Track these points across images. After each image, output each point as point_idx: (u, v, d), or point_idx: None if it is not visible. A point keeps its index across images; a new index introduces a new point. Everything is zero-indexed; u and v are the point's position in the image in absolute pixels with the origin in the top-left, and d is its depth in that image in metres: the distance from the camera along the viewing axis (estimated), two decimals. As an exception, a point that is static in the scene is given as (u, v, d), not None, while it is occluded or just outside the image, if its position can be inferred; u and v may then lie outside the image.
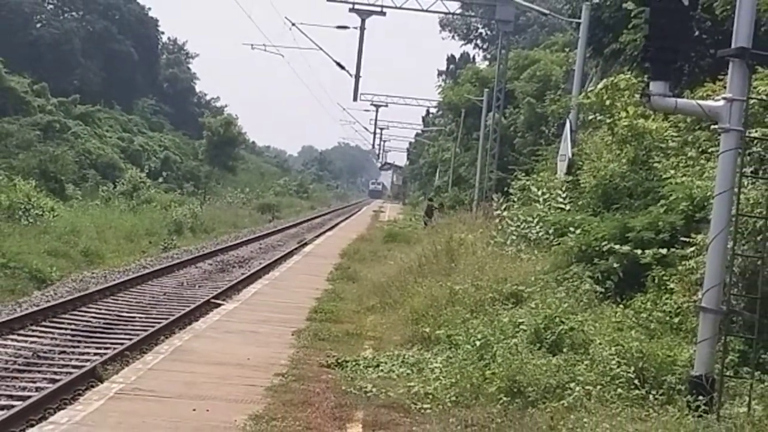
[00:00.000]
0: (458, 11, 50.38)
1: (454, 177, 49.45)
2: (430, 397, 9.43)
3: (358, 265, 23.81)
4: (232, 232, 43.18)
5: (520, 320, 10.83)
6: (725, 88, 8.84)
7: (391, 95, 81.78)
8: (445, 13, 45.19)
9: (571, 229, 14.24)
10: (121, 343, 14.89)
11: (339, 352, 11.94)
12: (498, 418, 8.32)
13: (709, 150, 13.07)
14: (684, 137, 14.89)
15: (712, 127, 9.99)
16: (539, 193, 18.86)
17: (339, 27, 41.47)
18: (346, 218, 62.94)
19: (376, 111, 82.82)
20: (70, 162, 48.06)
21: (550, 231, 15.97)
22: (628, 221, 12.99)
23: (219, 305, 17.87)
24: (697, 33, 16.81)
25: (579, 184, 17.36)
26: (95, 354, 14.30)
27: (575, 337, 10.05)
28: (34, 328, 16.09)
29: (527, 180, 21.87)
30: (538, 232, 16.71)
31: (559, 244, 14.51)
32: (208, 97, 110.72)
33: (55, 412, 9.65)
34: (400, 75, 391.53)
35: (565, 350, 9.80)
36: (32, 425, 9.46)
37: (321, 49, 45.48)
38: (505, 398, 8.82)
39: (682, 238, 11.29)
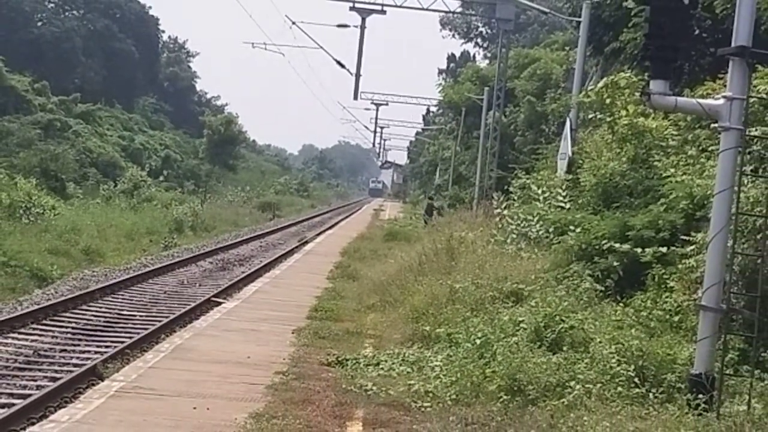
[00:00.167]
0: (458, 10, 50.36)
1: (455, 175, 49.41)
2: (431, 395, 9.44)
3: (358, 264, 23.82)
4: (233, 231, 43.17)
5: (521, 319, 10.84)
6: (725, 86, 8.85)
7: (391, 94, 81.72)
8: (446, 12, 45.13)
9: (572, 227, 14.25)
10: (122, 342, 14.90)
11: (339, 351, 11.94)
12: (498, 417, 8.33)
13: (709, 148, 13.08)
14: (684, 136, 14.90)
15: (712, 125, 10.00)
16: (539, 191, 18.86)
17: (339, 25, 41.46)
18: (347, 217, 62.93)
19: (377, 109, 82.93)
20: (70, 160, 48.13)
21: (551, 229, 15.99)
22: (628, 220, 13.01)
23: (219, 304, 17.88)
24: (697, 31, 16.82)
25: (579, 183, 17.37)
26: (96, 352, 14.31)
27: (575, 336, 10.06)
28: (34, 326, 16.10)
29: (527, 178, 21.89)
30: (538, 231, 16.71)
31: (559, 242, 14.53)
32: (208, 96, 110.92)
33: (55, 411, 9.66)
34: (401, 74, 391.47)
35: (565, 349, 9.81)
36: (33, 423, 9.46)
37: (321, 47, 45.49)
38: (505, 396, 8.83)
39: (682, 237, 11.31)
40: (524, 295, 12.67)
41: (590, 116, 18.64)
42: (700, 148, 13.93)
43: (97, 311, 18.12)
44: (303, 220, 57.28)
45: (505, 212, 20.09)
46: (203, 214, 43.53)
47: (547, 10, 32.58)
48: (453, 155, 51.66)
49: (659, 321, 10.45)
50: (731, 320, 8.99)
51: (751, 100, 9.32)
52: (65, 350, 14.52)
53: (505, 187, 25.81)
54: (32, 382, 12.32)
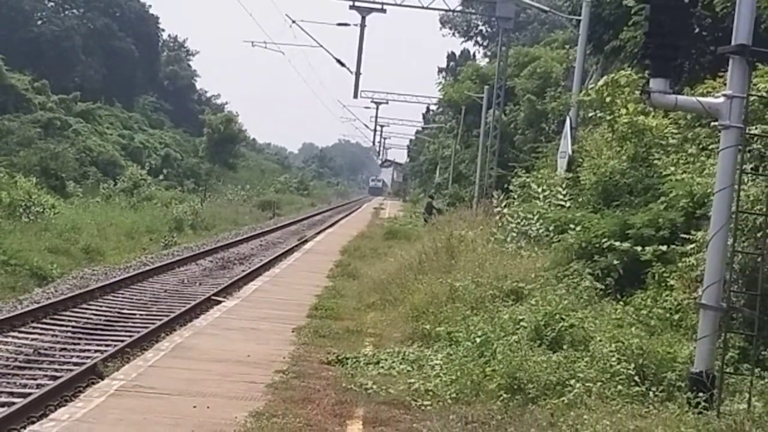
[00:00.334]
0: (458, 8, 50.28)
1: (455, 174, 49.41)
2: (431, 393, 9.44)
3: (358, 262, 23.81)
4: (233, 230, 43.19)
5: (521, 317, 10.84)
6: (725, 85, 8.85)
7: (391, 92, 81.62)
8: (446, 10, 45.19)
9: (572, 226, 14.25)
10: (122, 340, 14.90)
11: (339, 349, 11.94)
12: (498, 415, 8.33)
13: (709, 147, 13.08)
14: (684, 134, 14.90)
15: (712, 124, 10.01)
16: (539, 190, 18.86)
17: (339, 24, 41.45)
18: (347, 215, 62.94)
19: (377, 108, 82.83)
20: (70, 159, 48.16)
21: (551, 228, 15.98)
22: (628, 218, 13.01)
23: (219, 302, 17.88)
24: (697, 30, 16.82)
25: (579, 181, 17.37)
26: (96, 351, 14.31)
27: (575, 334, 10.07)
28: (35, 325, 16.10)
29: (527, 177, 21.88)
30: (538, 229, 16.71)
31: (559, 241, 14.53)
32: (208, 95, 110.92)
33: (55, 409, 9.64)
34: (401, 72, 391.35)
35: (565, 347, 9.82)
36: (33, 422, 9.47)
37: (321, 46, 45.66)
38: (505, 395, 8.83)
39: (682, 235, 11.31)
40: (524, 293, 12.67)
41: (590, 114, 18.63)
42: (700, 146, 13.93)
43: (97, 310, 18.12)
44: (303, 218, 57.30)
45: (505, 211, 20.08)
46: (203, 212, 43.53)
47: (547, 9, 32.55)
48: (453, 154, 51.66)
49: (659, 319, 10.44)
50: (731, 318, 8.99)
51: (751, 98, 9.33)
52: (65, 349, 14.52)
53: (505, 186, 25.80)
54: (32, 381, 12.33)
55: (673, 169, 13.51)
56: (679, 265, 10.92)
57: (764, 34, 13.10)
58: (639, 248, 12.05)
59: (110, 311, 18.11)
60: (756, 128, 10.68)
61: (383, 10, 36.56)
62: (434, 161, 69.57)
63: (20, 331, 15.47)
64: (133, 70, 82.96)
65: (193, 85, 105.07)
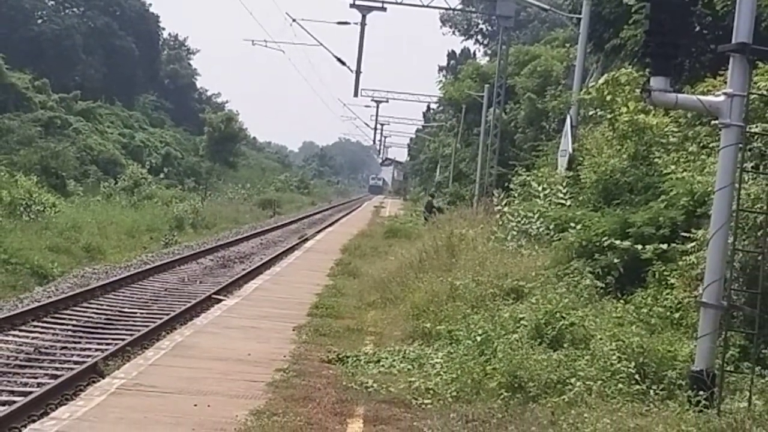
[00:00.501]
0: (459, 7, 50.30)
1: (455, 172, 49.42)
2: (431, 392, 9.45)
3: (358, 261, 23.82)
4: (233, 228, 43.18)
5: (521, 316, 10.83)
6: (726, 83, 8.84)
7: (391, 91, 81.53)
8: (446, 9, 45.18)
9: (572, 224, 14.25)
10: (123, 339, 14.91)
11: (340, 348, 11.95)
12: (499, 413, 8.34)
13: (710, 145, 13.08)
14: (684, 132, 14.90)
15: (713, 122, 10.01)
16: (540, 188, 18.86)
17: (340, 23, 41.46)
18: (347, 214, 62.96)
19: (377, 107, 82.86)
20: (71, 158, 48.15)
21: (551, 226, 15.98)
22: (628, 216, 13.00)
23: (220, 301, 17.89)
24: (697, 28, 16.83)
25: (579, 180, 17.36)
26: (96, 350, 14.32)
27: (576, 333, 10.07)
28: (35, 323, 16.11)
29: (528, 175, 21.86)
30: (538, 228, 16.71)
31: (559, 239, 14.52)
32: (209, 93, 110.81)
33: (56, 408, 9.65)
34: (401, 71, 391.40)
35: (565, 345, 9.82)
36: (33, 421, 9.48)
37: (322, 44, 45.56)
38: (505, 393, 8.83)
39: (683, 234, 11.31)
40: (525, 292, 12.67)
41: (591, 113, 18.63)
42: (701, 144, 13.93)
43: (97, 308, 18.13)
44: (303, 217, 57.31)
45: (506, 209, 20.08)
46: (204, 211, 43.52)
47: (547, 7, 32.52)
48: (453, 152, 51.66)
49: (660, 318, 10.44)
50: (732, 317, 8.99)
51: (752, 96, 9.32)
52: (66, 347, 14.53)
53: (506, 184, 25.81)
54: (33, 380, 12.33)
55: (673, 167, 13.51)
56: (680, 263, 10.92)
57: (765, 33, 13.10)
58: (639, 247, 12.04)
59: (111, 310, 18.12)
60: (756, 126, 10.69)
61: (383, 9, 36.54)
62: (435, 160, 69.55)
63: (21, 330, 15.48)
64: (133, 69, 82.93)
65: (194, 84, 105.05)
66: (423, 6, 35.92)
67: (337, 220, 52.71)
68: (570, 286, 12.25)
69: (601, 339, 9.57)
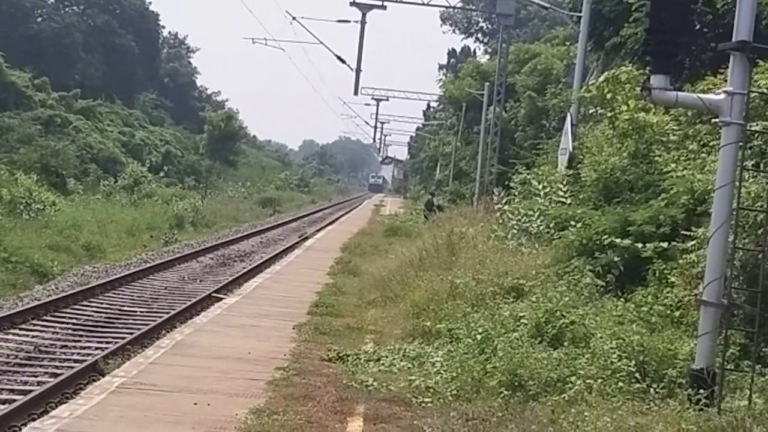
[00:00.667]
0: (459, 5, 50.34)
1: (455, 171, 49.41)
2: (431, 390, 9.45)
3: (359, 259, 23.82)
4: (233, 227, 43.18)
5: (521, 314, 10.83)
6: (726, 81, 8.83)
7: (392, 89, 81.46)
8: (446, 7, 45.17)
9: (572, 222, 14.24)
10: (123, 338, 14.91)
11: (340, 346, 11.95)
12: (499, 412, 8.33)
13: (710, 143, 13.08)
14: (685, 131, 14.90)
15: (713, 120, 9.99)
16: (540, 186, 18.85)
17: (340, 21, 41.47)
18: (347, 212, 62.97)
19: (377, 105, 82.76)
20: (71, 156, 48.14)
21: (551, 225, 15.97)
22: (628, 215, 12.99)
23: (220, 299, 17.89)
24: (697, 26, 16.81)
25: (580, 178, 17.35)
26: (97, 348, 14.32)
27: (576, 331, 10.06)
28: (35, 322, 16.10)
29: (528, 174, 21.86)
30: (538, 226, 16.70)
31: (559, 237, 14.52)
32: (209, 92, 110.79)
33: (56, 406, 9.65)
34: (401, 69, 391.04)
35: (566, 344, 9.81)
36: (34, 419, 9.48)
37: (322, 43, 45.36)
38: (506, 392, 8.83)
39: (683, 232, 11.30)
40: (525, 290, 12.67)
41: (591, 111, 18.61)
42: (701, 143, 13.92)
43: (97, 307, 18.13)
44: (303, 215, 57.31)
45: (506, 208, 20.08)
46: (204, 209, 43.51)
47: (547, 5, 32.54)
48: (453, 151, 51.65)
49: (660, 316, 10.44)
50: (732, 315, 8.98)
51: (752, 95, 9.31)
52: (66, 346, 14.53)
53: (506, 183, 25.80)
54: (33, 378, 12.33)
55: (673, 165, 13.51)
56: (680, 261, 10.92)
57: (765, 31, 13.09)
58: (640, 245, 12.04)
59: (111, 308, 18.12)
60: (757, 125, 10.68)
61: (383, 7, 36.49)
62: (435, 158, 69.53)
63: (21, 329, 15.47)
64: (133, 67, 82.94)
65: (194, 82, 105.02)
66: (423, 4, 35.88)
67: (337, 219, 52.71)
68: (570, 284, 12.25)
69: (601, 337, 9.57)
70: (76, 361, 13.34)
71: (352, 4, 36.34)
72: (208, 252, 29.74)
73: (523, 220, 17.63)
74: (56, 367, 13.03)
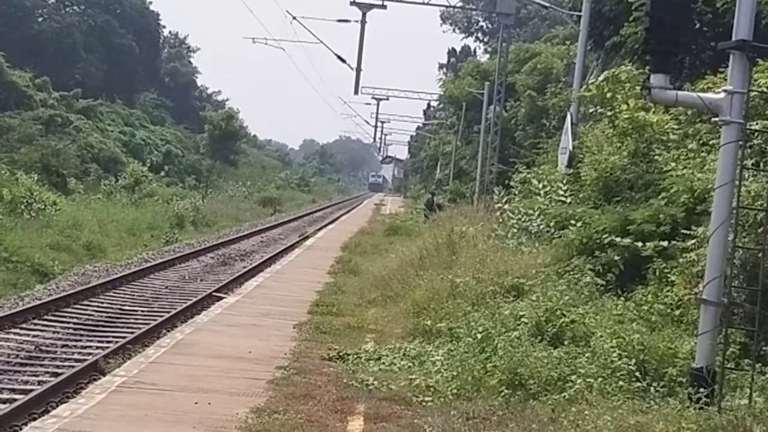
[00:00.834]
0: (459, 4, 50.37)
1: (455, 170, 49.43)
2: (432, 389, 9.46)
3: (359, 259, 23.83)
4: (234, 226, 43.20)
5: (521, 313, 10.84)
6: (726, 80, 8.83)
7: (392, 89, 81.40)
8: (446, 6, 45.16)
9: (572, 221, 14.24)
10: (123, 337, 14.92)
11: (340, 345, 11.96)
12: (499, 411, 8.35)
13: (710, 142, 13.07)
14: (685, 130, 14.89)
15: (713, 119, 9.98)
16: (540, 186, 18.85)
17: (340, 20, 41.40)
18: (348, 212, 62.99)
19: (377, 104, 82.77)
20: (72, 156, 48.13)
21: (551, 224, 15.97)
22: (628, 214, 13.00)
23: (221, 298, 17.90)
24: (697, 25, 16.79)
25: (580, 177, 17.36)
26: (97, 347, 14.33)
27: (576, 330, 10.07)
28: (36, 321, 16.11)
29: (528, 173, 21.86)
30: (539, 225, 16.70)
31: (560, 236, 14.52)
32: (209, 91, 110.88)
33: (57, 406, 9.67)
34: (401, 68, 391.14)
35: (566, 343, 9.82)
36: (34, 419, 9.49)
37: (322, 42, 45.33)
38: (506, 391, 8.84)
39: (683, 231, 11.30)
40: (525, 289, 12.67)
41: (591, 110, 18.60)
42: (701, 142, 13.92)
43: (98, 306, 18.14)
44: (304, 215, 57.34)
45: (506, 207, 20.07)
46: (204, 209, 43.55)
47: (547, 5, 32.53)
48: (454, 150, 51.67)
49: (660, 315, 10.45)
50: (732, 314, 8.99)
51: (752, 94, 9.31)
52: (67, 345, 14.54)
53: (506, 182, 25.80)
54: (34, 378, 12.34)
55: (673, 164, 13.51)
56: (680, 260, 10.91)
57: (765, 30, 13.08)
58: (640, 244, 12.05)
59: (111, 308, 18.13)
60: (756, 124, 10.68)
61: (384, 6, 36.45)
62: (435, 157, 69.51)
63: (22, 328, 15.48)
64: (134, 67, 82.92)
65: (194, 82, 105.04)
66: (423, 3, 35.89)
67: (337, 218, 52.72)
68: (570, 283, 12.25)
69: (601, 336, 9.58)
70: (76, 360, 13.35)
71: (352, 3, 36.33)
72: (208, 251, 29.76)
73: (523, 219, 17.63)
74: (57, 366, 13.04)
